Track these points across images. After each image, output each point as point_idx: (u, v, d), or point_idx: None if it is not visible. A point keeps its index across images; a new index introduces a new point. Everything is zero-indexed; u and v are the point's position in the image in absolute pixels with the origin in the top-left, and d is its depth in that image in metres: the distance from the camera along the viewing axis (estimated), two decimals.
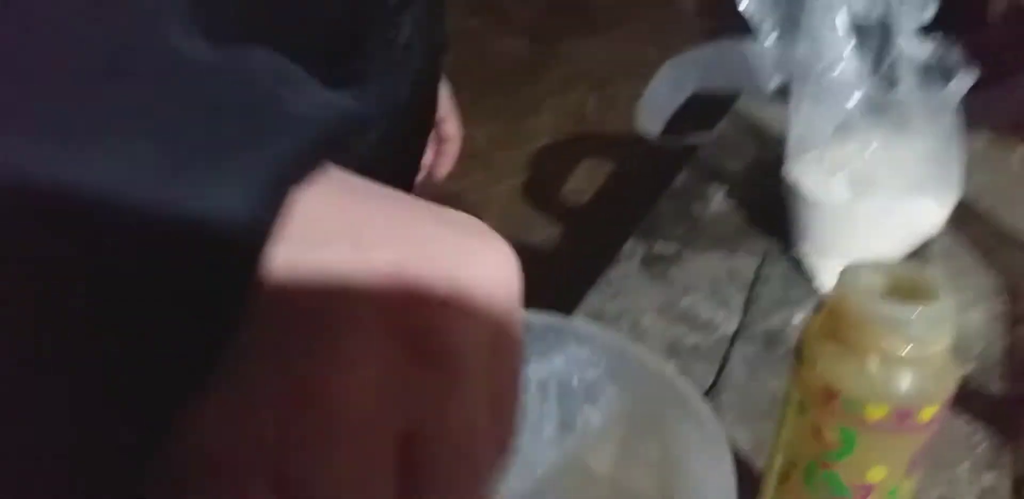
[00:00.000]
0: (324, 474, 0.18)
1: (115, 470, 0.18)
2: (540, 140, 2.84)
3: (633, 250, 0.75)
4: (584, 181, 2.37)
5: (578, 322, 0.36)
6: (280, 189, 0.17)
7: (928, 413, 0.36)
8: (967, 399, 0.58)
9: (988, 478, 0.52)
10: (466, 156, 2.77)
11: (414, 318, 0.19)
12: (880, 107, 0.70)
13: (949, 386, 0.36)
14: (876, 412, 0.35)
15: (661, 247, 0.75)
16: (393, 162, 0.37)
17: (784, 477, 0.40)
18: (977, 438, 0.55)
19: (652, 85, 1.87)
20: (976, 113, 0.73)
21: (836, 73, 0.67)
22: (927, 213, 0.71)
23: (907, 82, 0.69)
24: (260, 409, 0.18)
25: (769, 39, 0.68)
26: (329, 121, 0.19)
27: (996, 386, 0.60)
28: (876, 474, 0.37)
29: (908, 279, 0.37)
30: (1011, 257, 0.74)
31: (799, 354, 0.38)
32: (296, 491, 0.18)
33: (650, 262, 0.73)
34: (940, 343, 0.35)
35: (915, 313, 0.34)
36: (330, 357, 0.18)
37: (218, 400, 0.18)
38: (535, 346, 0.37)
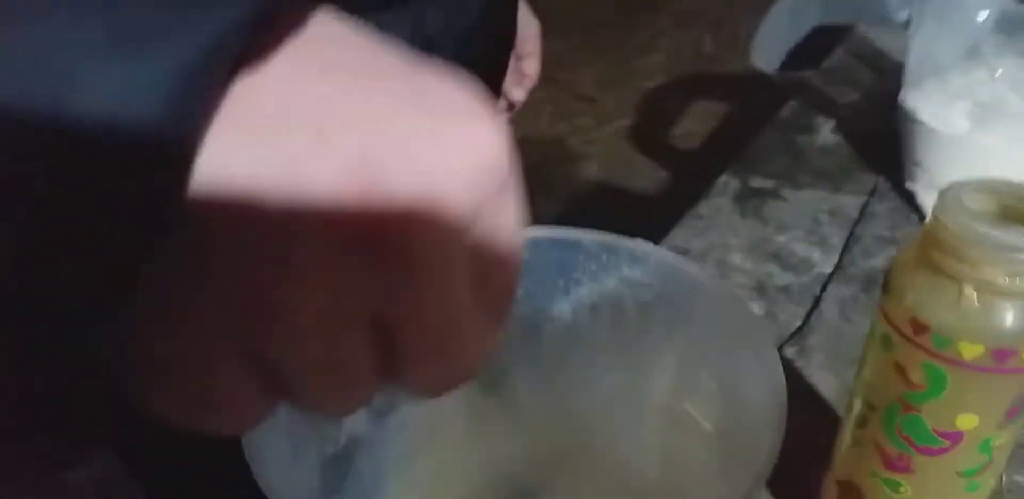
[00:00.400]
0: (294, 353, 0.18)
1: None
2: (652, 80, 2.75)
3: (727, 184, 0.70)
4: (697, 123, 2.28)
5: (634, 241, 0.32)
6: (205, 76, 0.14)
7: None
8: None
9: None
10: (573, 98, 2.71)
11: (377, 218, 0.16)
12: (1012, 27, 0.62)
13: None
14: (971, 350, 0.31)
15: (759, 182, 0.70)
16: None
17: (862, 422, 0.36)
18: None
19: (769, 16, 1.77)
20: None
21: None
22: None
23: None
24: (221, 294, 0.17)
25: None
26: None
27: None
28: (967, 421, 0.33)
29: (1021, 202, 0.32)
30: None
31: (888, 283, 0.33)
32: (268, 369, 0.18)
33: (745, 197, 0.68)
34: None
35: (1020, 238, 0.29)
36: (283, 262, 0.16)
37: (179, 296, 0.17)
38: (588, 266, 0.34)
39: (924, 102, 0.65)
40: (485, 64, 0.58)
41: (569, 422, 0.38)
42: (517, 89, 0.76)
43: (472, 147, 0.18)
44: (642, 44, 2.92)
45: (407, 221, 0.16)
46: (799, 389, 0.51)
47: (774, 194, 0.68)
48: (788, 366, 0.52)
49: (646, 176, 2.27)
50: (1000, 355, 0.31)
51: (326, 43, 0.17)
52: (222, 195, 0.15)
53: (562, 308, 0.35)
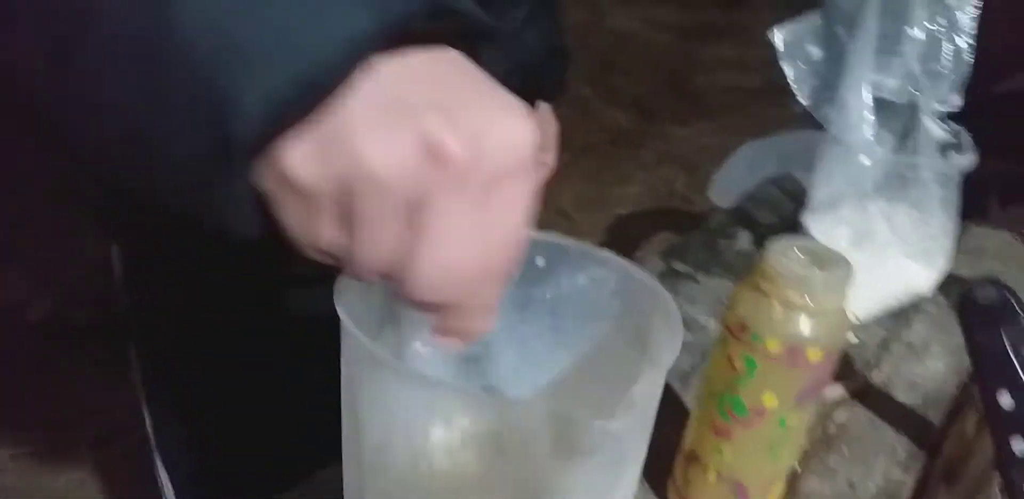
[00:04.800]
0: (362, 205, 0.30)
1: None
2: (625, 208, 2.98)
3: (654, 265, 0.87)
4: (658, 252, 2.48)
5: (601, 249, 0.48)
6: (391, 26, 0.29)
7: (815, 355, 0.46)
8: (904, 419, 0.68)
9: (896, 474, 0.61)
10: (551, 211, 2.91)
11: (441, 145, 0.30)
12: (892, 173, 0.81)
13: (837, 337, 0.47)
14: (773, 345, 0.46)
15: (680, 266, 0.86)
16: None
17: (702, 404, 0.51)
18: (901, 447, 0.64)
19: (730, 161, 2.01)
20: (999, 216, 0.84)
21: (855, 135, 0.78)
22: (916, 275, 0.81)
23: (922, 155, 0.80)
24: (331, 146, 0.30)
25: (806, 100, 0.80)
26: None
27: (931, 416, 0.69)
28: (769, 400, 0.48)
29: (824, 254, 0.48)
30: None
31: (729, 302, 0.49)
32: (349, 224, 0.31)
33: (665, 276, 0.85)
34: (833, 301, 0.46)
35: (814, 274, 0.45)
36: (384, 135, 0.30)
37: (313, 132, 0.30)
38: (569, 263, 0.49)
39: (817, 224, 0.83)
40: None
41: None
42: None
43: (511, 131, 0.31)
44: (623, 174, 3.16)
45: (449, 150, 0.30)
46: (675, 409, 0.65)
47: (690, 277, 0.84)
48: (670, 391, 0.67)
49: None
50: (792, 352, 0.46)
51: (453, 55, 0.32)
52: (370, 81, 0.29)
53: (543, 291, 0.50)
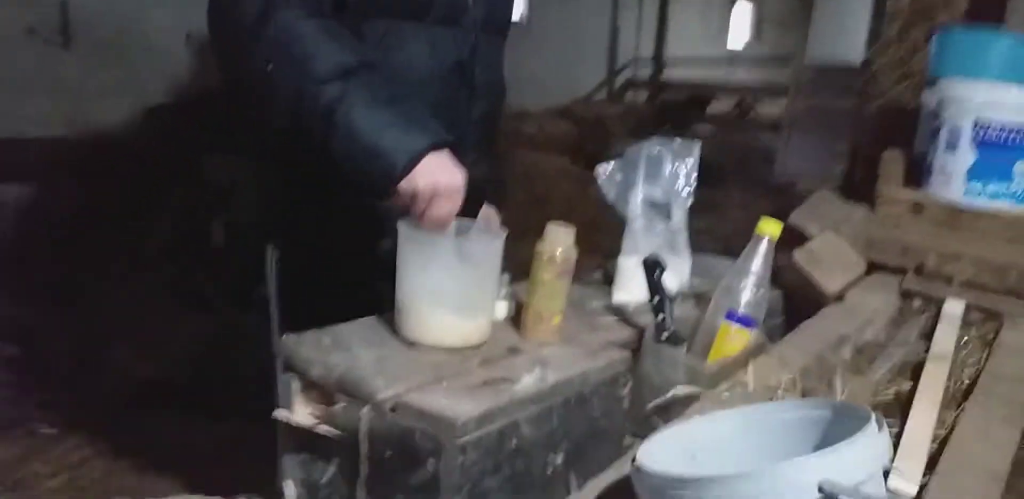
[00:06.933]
0: (419, 195, 1.30)
1: None
2: None
3: None
4: None
5: None
6: (432, 147, 1.30)
7: (565, 261, 1.37)
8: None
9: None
10: None
11: (439, 186, 1.29)
12: (660, 236, 1.72)
13: (570, 254, 1.37)
14: (548, 257, 1.37)
15: None
16: None
17: (531, 284, 1.41)
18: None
19: None
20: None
21: (637, 218, 1.70)
22: (670, 278, 1.70)
23: (672, 224, 1.72)
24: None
25: (612, 202, 1.73)
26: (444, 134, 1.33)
27: None
28: (547, 276, 1.38)
29: (566, 232, 1.40)
30: None
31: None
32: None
33: None
34: (565, 247, 1.37)
35: (557, 234, 1.37)
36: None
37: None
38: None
39: (623, 258, 1.73)
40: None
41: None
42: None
43: (459, 180, 1.32)
44: None
45: (443, 189, 1.30)
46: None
47: None
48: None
49: None
50: (550, 261, 1.37)
51: (447, 152, 1.33)
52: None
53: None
